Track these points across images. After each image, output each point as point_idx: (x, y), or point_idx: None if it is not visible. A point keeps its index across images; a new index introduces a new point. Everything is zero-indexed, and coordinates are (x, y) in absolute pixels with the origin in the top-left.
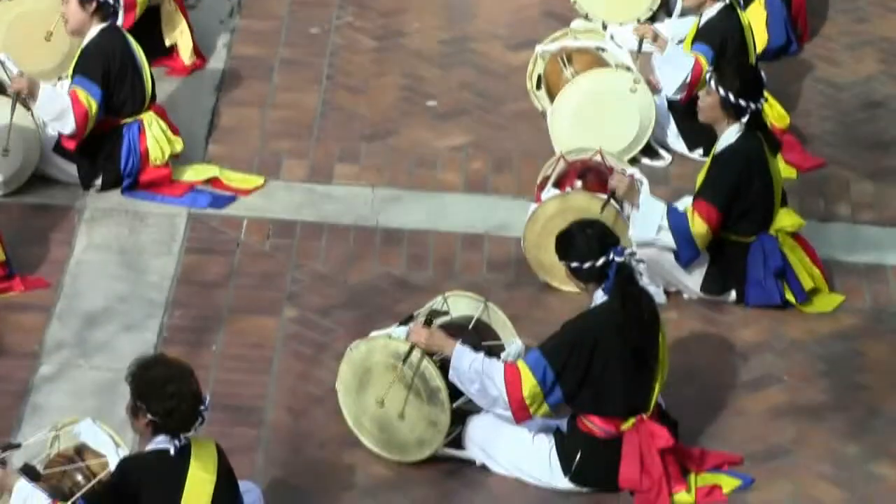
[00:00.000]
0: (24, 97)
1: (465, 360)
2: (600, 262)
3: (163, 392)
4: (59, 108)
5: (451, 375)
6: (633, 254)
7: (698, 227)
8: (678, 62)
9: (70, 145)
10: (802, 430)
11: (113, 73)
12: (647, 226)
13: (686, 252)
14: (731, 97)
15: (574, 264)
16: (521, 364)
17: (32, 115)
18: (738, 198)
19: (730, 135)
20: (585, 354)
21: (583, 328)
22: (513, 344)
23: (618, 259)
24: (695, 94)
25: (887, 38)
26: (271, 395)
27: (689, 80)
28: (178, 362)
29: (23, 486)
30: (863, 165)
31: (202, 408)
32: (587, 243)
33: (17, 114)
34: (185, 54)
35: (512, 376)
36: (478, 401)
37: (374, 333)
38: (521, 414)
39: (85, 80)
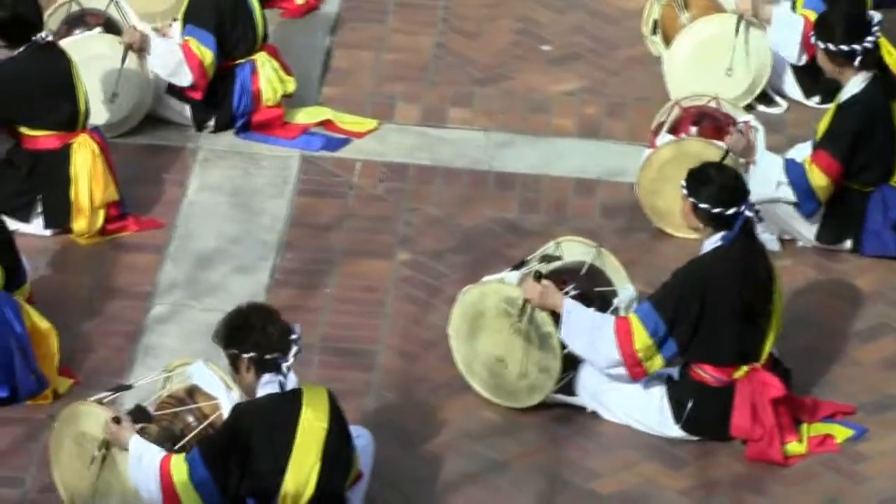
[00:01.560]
0: (137, 49)
1: (577, 315)
2: (730, 210)
3: (246, 326)
4: (174, 62)
5: (563, 333)
6: (757, 210)
7: (818, 179)
8: (788, 24)
9: (196, 95)
10: None
11: (225, 17)
12: (766, 182)
13: (808, 205)
14: (832, 46)
15: (703, 205)
16: (632, 317)
17: (146, 61)
18: (860, 149)
19: (853, 85)
20: (696, 302)
21: (693, 275)
22: (625, 289)
23: (747, 213)
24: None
25: None
26: (383, 339)
27: (802, 40)
28: (252, 302)
29: (137, 442)
30: None
31: (293, 336)
32: (723, 189)
33: (132, 58)
34: None
35: (623, 331)
36: (589, 359)
37: (486, 278)
38: (635, 370)
39: (197, 28)
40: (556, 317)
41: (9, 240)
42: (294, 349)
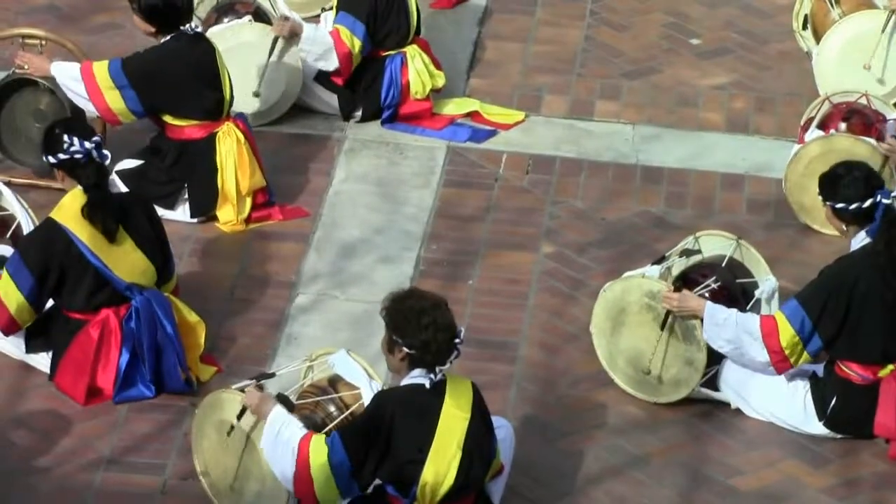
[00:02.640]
0: (287, 39)
1: (720, 313)
2: (867, 203)
3: (418, 324)
4: (322, 48)
5: (706, 335)
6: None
7: None
8: None
9: (338, 81)
10: None
11: (379, 7)
12: None
13: None
14: None
15: (839, 205)
16: (778, 314)
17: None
18: None
19: None
20: (843, 299)
21: (841, 273)
22: (767, 280)
23: (885, 201)
24: None
25: None
26: (525, 331)
27: None
28: (432, 294)
29: (278, 414)
30: None
31: (457, 340)
32: (854, 184)
33: (280, 45)
34: None
35: (769, 327)
36: (733, 358)
37: (627, 273)
38: (781, 365)
39: (349, 17)
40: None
41: (162, 234)
42: (454, 354)
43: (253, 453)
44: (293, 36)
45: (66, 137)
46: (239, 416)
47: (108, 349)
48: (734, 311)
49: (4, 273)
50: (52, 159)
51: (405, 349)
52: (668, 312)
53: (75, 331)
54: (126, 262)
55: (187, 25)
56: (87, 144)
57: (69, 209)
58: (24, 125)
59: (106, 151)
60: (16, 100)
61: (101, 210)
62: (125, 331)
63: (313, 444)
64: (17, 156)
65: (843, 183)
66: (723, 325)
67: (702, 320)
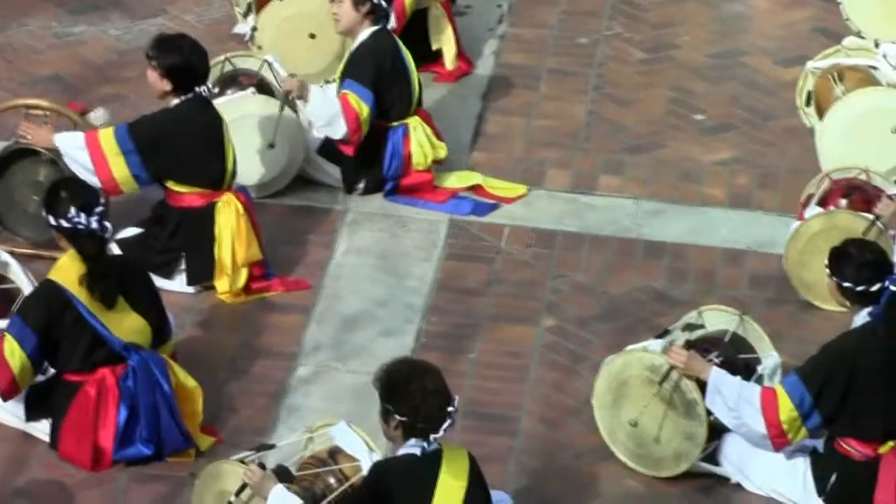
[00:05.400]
0: (294, 98)
1: (724, 381)
2: (874, 287)
3: (406, 390)
4: (330, 112)
5: (708, 400)
6: None
7: None
8: None
9: (348, 151)
10: None
11: (383, 77)
12: None
13: None
14: None
15: (846, 284)
16: (778, 388)
17: (299, 117)
18: None
19: None
20: (843, 376)
21: (841, 350)
22: (770, 356)
23: (892, 287)
24: None
25: None
26: (526, 405)
27: None
28: (423, 361)
29: (278, 493)
30: None
31: (450, 408)
32: (864, 266)
33: (285, 117)
34: (449, 59)
35: (769, 400)
36: (733, 427)
37: (629, 347)
38: (779, 440)
39: (356, 84)
40: (700, 386)
41: (156, 296)
42: (447, 423)
43: None
44: (302, 94)
45: (71, 209)
46: (238, 492)
47: (106, 407)
48: (738, 378)
49: (7, 335)
50: (52, 221)
51: (397, 417)
52: (670, 367)
53: (73, 393)
54: (123, 322)
55: (202, 88)
56: (90, 218)
57: (67, 270)
58: (22, 197)
59: (108, 224)
60: (15, 170)
61: (101, 281)
62: (122, 389)
63: None
64: (12, 227)
65: (852, 263)
66: (726, 393)
67: (704, 386)
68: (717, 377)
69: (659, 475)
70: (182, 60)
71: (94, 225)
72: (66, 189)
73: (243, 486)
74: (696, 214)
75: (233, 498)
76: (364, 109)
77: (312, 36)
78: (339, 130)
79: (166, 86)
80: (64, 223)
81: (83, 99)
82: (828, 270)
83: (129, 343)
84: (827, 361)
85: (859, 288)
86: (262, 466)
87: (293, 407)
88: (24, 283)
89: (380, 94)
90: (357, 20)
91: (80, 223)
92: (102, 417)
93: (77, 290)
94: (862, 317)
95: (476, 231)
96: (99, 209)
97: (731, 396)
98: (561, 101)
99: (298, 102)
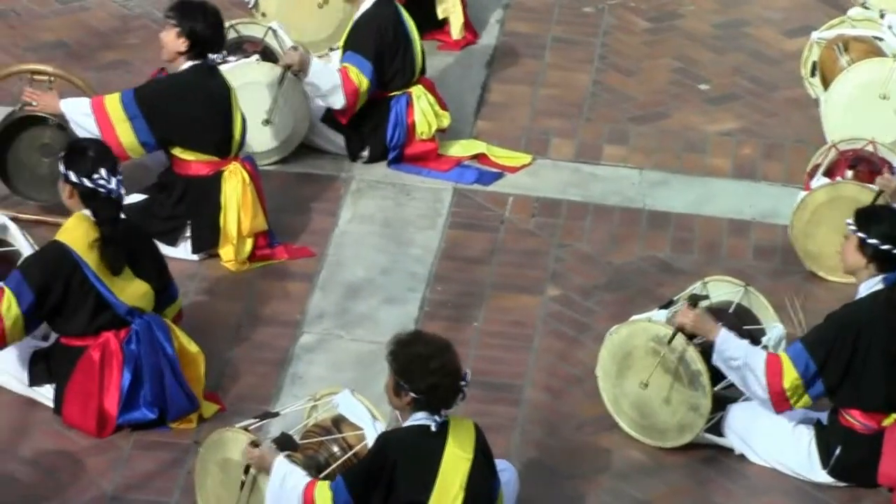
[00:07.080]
0: (294, 72)
1: (730, 345)
2: None
3: (425, 369)
4: (330, 84)
5: (715, 359)
6: None
7: None
8: None
9: (342, 119)
10: None
11: (385, 47)
12: None
13: None
14: None
15: (872, 240)
16: (783, 355)
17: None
18: None
19: None
20: (848, 347)
21: (847, 319)
22: (774, 328)
23: None
24: None
25: None
26: (530, 374)
27: None
28: (438, 338)
29: (280, 465)
30: None
31: (462, 384)
32: (894, 226)
33: (288, 85)
34: (455, 29)
35: (773, 367)
36: (738, 385)
37: (634, 317)
38: (780, 405)
39: (356, 56)
40: (705, 355)
41: (161, 262)
42: (459, 397)
43: (257, 494)
44: (303, 67)
45: (101, 170)
46: (245, 471)
47: (110, 371)
48: (745, 342)
49: (5, 289)
50: (72, 177)
51: (412, 394)
52: (677, 329)
53: (76, 358)
54: (127, 287)
55: (214, 56)
56: (114, 182)
57: (75, 232)
58: (31, 160)
59: (123, 190)
60: (23, 135)
61: (114, 247)
62: (126, 353)
63: (318, 489)
64: (23, 190)
65: (884, 222)
66: (732, 356)
67: (708, 359)
68: (724, 338)
69: (663, 446)
70: (205, 25)
71: (118, 189)
72: (93, 149)
73: (248, 467)
74: (700, 185)
75: (243, 477)
76: (363, 82)
77: (321, 5)
78: (338, 101)
79: (181, 46)
80: (87, 182)
81: (86, 65)
82: (852, 227)
83: (133, 307)
84: (832, 330)
85: (884, 247)
86: (255, 445)
87: (297, 375)
88: (24, 245)
89: (381, 65)
90: None
91: (104, 185)
92: (107, 381)
93: (85, 254)
94: (869, 286)
95: (480, 200)
96: (119, 175)
97: (736, 359)
98: (565, 70)
99: (300, 75)
